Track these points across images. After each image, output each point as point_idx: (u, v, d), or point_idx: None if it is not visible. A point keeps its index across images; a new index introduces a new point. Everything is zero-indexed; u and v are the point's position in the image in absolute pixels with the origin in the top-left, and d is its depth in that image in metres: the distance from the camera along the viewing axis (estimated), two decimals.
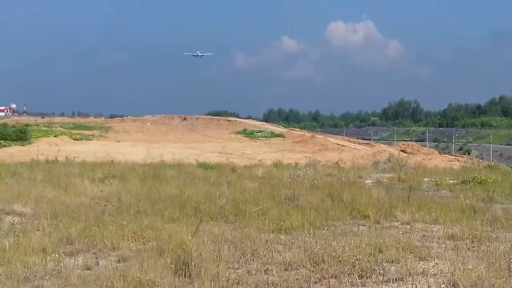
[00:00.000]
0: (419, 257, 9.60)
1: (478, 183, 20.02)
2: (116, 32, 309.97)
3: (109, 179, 20.55)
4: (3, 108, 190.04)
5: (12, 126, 77.17)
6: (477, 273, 8.15)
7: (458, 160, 51.13)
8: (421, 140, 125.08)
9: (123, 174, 22.46)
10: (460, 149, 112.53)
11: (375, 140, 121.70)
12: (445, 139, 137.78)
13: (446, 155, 67.08)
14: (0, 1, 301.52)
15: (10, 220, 13.02)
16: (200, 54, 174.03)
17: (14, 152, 48.17)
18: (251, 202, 14.66)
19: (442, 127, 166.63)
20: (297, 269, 8.89)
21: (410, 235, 11.18)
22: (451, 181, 21.32)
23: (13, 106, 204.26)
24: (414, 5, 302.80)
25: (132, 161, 31.70)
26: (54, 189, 17.83)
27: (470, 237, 10.85)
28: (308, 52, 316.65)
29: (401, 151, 55.11)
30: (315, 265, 8.86)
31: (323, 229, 12.14)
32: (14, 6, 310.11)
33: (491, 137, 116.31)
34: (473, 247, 10.41)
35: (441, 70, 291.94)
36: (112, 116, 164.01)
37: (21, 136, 65.20)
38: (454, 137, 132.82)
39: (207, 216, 12.69)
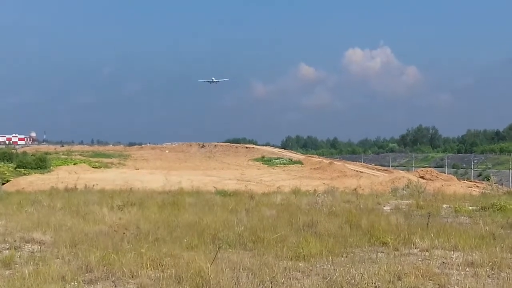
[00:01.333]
0: (438, 285, 9.55)
1: (498, 210, 19.84)
2: (134, 60, 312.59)
3: (127, 206, 20.63)
4: (23, 136, 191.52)
5: (32, 155, 77.72)
6: None
7: (477, 186, 50.78)
8: (439, 166, 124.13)
9: (142, 201, 22.51)
10: (479, 175, 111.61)
11: (393, 166, 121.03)
12: (464, 165, 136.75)
13: (465, 181, 66.62)
14: (21, 31, 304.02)
15: (30, 248, 13.10)
16: (215, 80, 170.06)
17: (34, 180, 48.43)
18: (269, 229, 14.65)
19: (461, 153, 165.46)
20: None
21: (429, 262, 11.12)
22: (470, 208, 21.14)
23: (33, 134, 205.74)
24: (431, 32, 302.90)
25: (150, 189, 31.78)
26: (73, 217, 17.94)
27: (490, 264, 10.78)
28: (326, 78, 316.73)
29: (420, 177, 54.75)
30: None
31: (342, 256, 12.10)
32: (34, 37, 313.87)
33: (510, 163, 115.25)
34: (493, 274, 10.34)
35: (459, 96, 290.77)
36: (131, 144, 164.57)
37: (40, 164, 65.61)
38: (472, 163, 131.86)
39: (225, 244, 12.71)
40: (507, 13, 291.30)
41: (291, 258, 11.65)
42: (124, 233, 14.08)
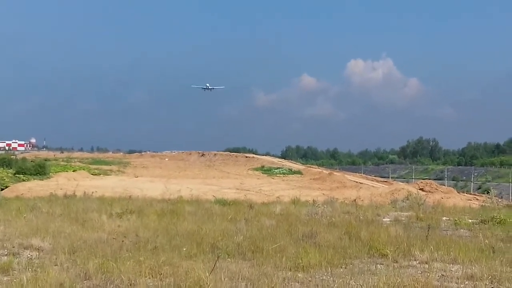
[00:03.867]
0: None
1: (497, 223, 19.84)
2: (135, 68, 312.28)
3: (126, 214, 20.62)
4: (23, 142, 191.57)
5: (31, 161, 77.75)
6: None
7: (477, 199, 50.77)
8: (439, 178, 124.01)
9: (141, 209, 22.51)
10: (479, 188, 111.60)
11: (393, 178, 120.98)
12: (464, 177, 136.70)
13: (465, 194, 66.62)
14: (24, 38, 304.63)
15: (28, 255, 13.07)
16: (210, 87, 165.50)
17: (33, 187, 48.39)
18: (268, 239, 14.63)
19: (461, 165, 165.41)
20: None
21: (428, 274, 11.07)
22: (470, 220, 21.13)
23: (33, 140, 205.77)
24: (433, 44, 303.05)
25: (150, 197, 31.79)
26: (72, 224, 17.93)
27: (489, 277, 10.75)
28: (328, 89, 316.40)
29: (420, 189, 54.75)
30: None
31: (341, 267, 12.07)
32: (36, 44, 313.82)
33: (510, 176, 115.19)
34: (492, 287, 10.30)
35: (460, 109, 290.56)
36: (131, 152, 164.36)
37: (40, 170, 65.61)
38: (472, 176, 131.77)
39: (224, 253, 12.69)
40: (509, 28, 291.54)
41: (290, 269, 11.62)
42: (123, 241, 14.07)
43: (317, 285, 10.23)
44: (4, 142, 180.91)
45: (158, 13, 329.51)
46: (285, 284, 10.20)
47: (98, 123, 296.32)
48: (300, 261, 11.97)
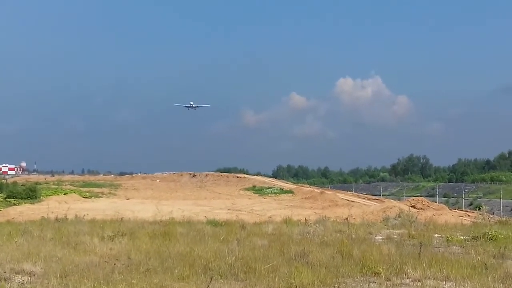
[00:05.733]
0: None
1: (489, 239, 19.85)
2: (125, 89, 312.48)
3: (118, 237, 20.55)
4: (13, 166, 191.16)
5: (22, 185, 77.49)
6: None
7: (468, 215, 50.76)
8: (430, 195, 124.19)
9: (133, 231, 22.43)
10: (470, 204, 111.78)
11: (384, 195, 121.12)
12: (455, 194, 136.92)
13: (456, 210, 66.67)
14: (11, 59, 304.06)
15: (20, 280, 12.99)
16: (194, 106, 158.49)
17: (24, 211, 48.13)
18: (261, 259, 14.62)
19: (452, 182, 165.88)
20: None
21: None
22: (462, 237, 21.15)
23: (23, 164, 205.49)
24: (422, 62, 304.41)
25: (141, 219, 31.64)
26: (63, 248, 17.84)
27: None
28: (317, 108, 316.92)
29: (411, 206, 54.82)
30: None
31: (334, 286, 12.08)
32: (24, 65, 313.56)
33: (501, 192, 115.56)
34: None
35: (450, 126, 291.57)
36: (122, 174, 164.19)
37: (31, 194, 65.37)
38: (464, 192, 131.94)
39: (217, 274, 12.66)
40: (497, 44, 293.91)
41: None
42: (114, 263, 14.02)
43: None
44: None
45: (144, 31, 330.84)
46: None
47: (88, 145, 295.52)
48: (293, 281, 11.97)
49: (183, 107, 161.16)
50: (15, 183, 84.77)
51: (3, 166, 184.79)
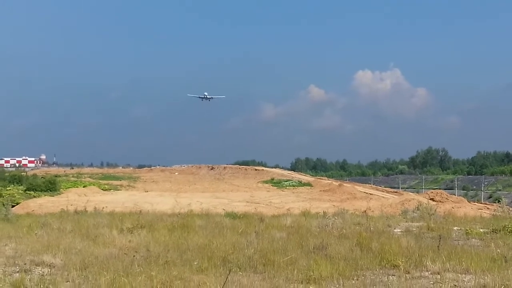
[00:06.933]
0: None
1: (509, 232, 19.68)
2: (143, 84, 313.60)
3: (137, 229, 20.64)
4: (33, 159, 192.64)
5: (42, 177, 77.87)
6: None
7: (487, 208, 50.38)
8: (449, 188, 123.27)
9: (152, 224, 22.52)
10: (490, 197, 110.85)
11: (403, 188, 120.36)
12: (474, 187, 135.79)
13: (476, 203, 66.11)
14: (31, 54, 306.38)
15: (40, 272, 13.10)
16: (208, 97, 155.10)
17: (44, 203, 48.40)
18: (279, 252, 14.62)
19: (471, 175, 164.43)
20: None
21: (441, 285, 11.05)
22: (481, 230, 21.00)
23: (43, 157, 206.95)
24: (441, 54, 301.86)
25: (160, 211, 31.75)
26: (83, 240, 17.96)
27: (502, 287, 10.70)
28: (336, 101, 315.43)
29: (430, 199, 54.45)
30: None
31: (353, 279, 12.04)
32: (44, 60, 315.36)
33: None
34: None
35: (468, 118, 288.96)
36: (141, 166, 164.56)
37: (50, 187, 65.67)
38: (483, 185, 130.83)
39: (235, 267, 12.67)
40: None
41: (301, 281, 11.61)
42: (134, 255, 14.08)
43: None
44: (14, 159, 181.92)
45: (160, 25, 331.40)
46: None
47: (107, 139, 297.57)
48: (312, 273, 11.96)
49: (197, 98, 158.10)
50: (34, 175, 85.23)
51: (23, 159, 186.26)
